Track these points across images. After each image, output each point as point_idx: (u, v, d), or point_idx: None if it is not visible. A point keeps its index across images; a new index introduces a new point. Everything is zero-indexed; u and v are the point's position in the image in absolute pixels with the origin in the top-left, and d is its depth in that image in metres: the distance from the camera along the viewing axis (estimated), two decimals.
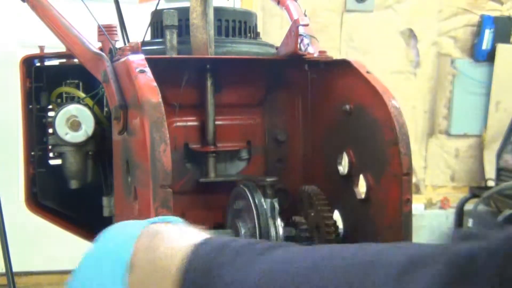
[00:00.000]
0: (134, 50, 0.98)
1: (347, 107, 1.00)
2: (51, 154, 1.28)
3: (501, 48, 3.26)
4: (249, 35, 1.14)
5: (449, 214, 3.35)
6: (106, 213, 1.21)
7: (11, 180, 2.43)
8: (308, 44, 1.17)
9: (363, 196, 0.98)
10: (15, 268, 1.41)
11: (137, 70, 0.85)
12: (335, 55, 1.13)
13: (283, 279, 0.43)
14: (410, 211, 0.91)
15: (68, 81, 1.26)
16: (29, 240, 2.78)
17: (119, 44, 1.21)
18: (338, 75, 1.04)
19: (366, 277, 0.39)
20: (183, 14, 1.05)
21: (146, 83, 0.82)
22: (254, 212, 0.93)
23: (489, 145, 3.33)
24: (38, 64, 1.31)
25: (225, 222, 1.04)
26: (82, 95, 1.24)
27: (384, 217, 0.94)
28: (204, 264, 0.47)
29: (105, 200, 1.21)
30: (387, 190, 0.93)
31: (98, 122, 1.18)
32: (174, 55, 1.02)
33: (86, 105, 1.19)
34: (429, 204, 3.41)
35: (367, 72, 0.97)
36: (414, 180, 3.25)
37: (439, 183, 3.44)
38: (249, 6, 2.91)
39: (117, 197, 1.03)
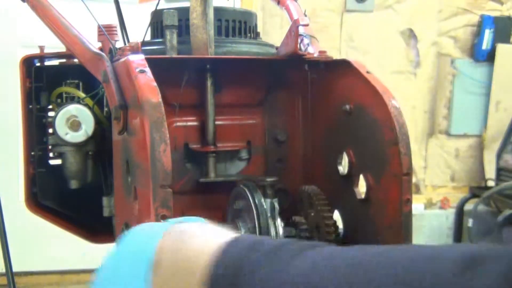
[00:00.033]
0: (134, 50, 0.98)
1: (347, 107, 1.00)
2: (51, 154, 1.28)
3: (501, 48, 3.26)
4: (249, 35, 1.14)
5: (449, 214, 3.35)
6: (106, 213, 1.21)
7: (11, 180, 2.43)
8: (308, 44, 1.17)
9: (363, 196, 0.98)
10: (15, 268, 1.41)
11: (137, 70, 0.85)
12: (335, 55, 1.13)
13: (327, 275, 0.42)
14: (410, 211, 0.91)
15: (68, 81, 1.26)
16: (29, 240, 2.78)
17: (119, 44, 1.21)
18: (338, 75, 1.04)
19: (425, 273, 0.39)
20: (183, 14, 1.05)
21: (146, 83, 0.82)
22: (254, 212, 0.93)
23: (489, 145, 3.33)
24: (38, 64, 1.31)
25: (225, 222, 1.04)
26: (82, 95, 1.24)
27: (384, 217, 0.94)
28: (234, 262, 0.46)
29: (105, 200, 1.21)
30: (387, 190, 0.93)
31: (98, 122, 1.18)
32: (174, 55, 1.02)
33: (86, 105, 1.19)
34: (429, 204, 3.41)
35: (367, 72, 0.97)
36: (414, 180, 3.25)
37: (439, 183, 3.44)
38: (249, 6, 2.91)
39: (117, 197, 1.03)
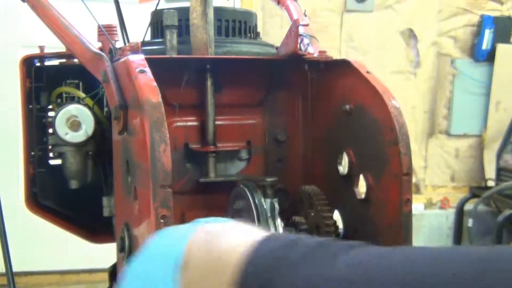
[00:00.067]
0: (134, 50, 0.98)
1: (347, 107, 1.00)
2: (51, 154, 1.28)
3: (501, 48, 3.26)
4: (249, 35, 1.14)
5: (449, 214, 3.35)
6: (106, 213, 1.21)
7: (11, 180, 2.43)
8: (308, 44, 1.17)
9: (363, 196, 0.98)
10: (15, 268, 1.41)
11: (137, 70, 0.85)
12: (335, 55, 1.13)
13: (370, 273, 0.42)
14: (410, 211, 0.91)
15: (68, 81, 1.26)
16: (29, 240, 2.78)
17: (119, 44, 1.21)
18: (338, 75, 1.04)
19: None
20: (183, 14, 1.05)
21: (146, 83, 0.82)
22: (254, 212, 0.93)
23: (489, 145, 3.33)
24: (38, 64, 1.31)
25: None
26: (82, 95, 1.24)
27: (384, 217, 0.94)
28: (269, 260, 0.46)
29: (105, 200, 1.21)
30: (387, 190, 0.93)
31: (98, 122, 1.18)
32: (174, 55, 1.02)
33: (86, 105, 1.19)
34: (429, 204, 3.41)
35: (367, 72, 0.97)
36: (414, 180, 3.26)
37: (439, 183, 3.44)
38: (249, 6, 2.92)
39: (117, 197, 1.03)
